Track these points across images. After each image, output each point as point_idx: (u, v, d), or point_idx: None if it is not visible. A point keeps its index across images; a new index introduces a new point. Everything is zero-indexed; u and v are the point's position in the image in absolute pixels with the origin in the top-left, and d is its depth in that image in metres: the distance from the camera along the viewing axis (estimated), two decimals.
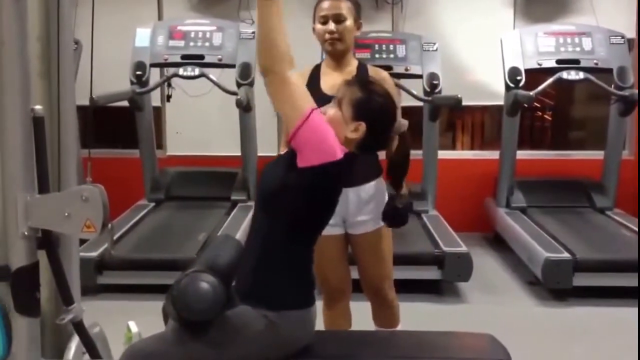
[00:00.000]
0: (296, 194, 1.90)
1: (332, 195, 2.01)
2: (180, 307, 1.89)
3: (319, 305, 2.75)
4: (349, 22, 2.63)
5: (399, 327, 2.87)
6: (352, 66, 2.71)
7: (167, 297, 1.99)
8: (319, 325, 2.70)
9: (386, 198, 2.64)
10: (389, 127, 2.03)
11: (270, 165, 2.03)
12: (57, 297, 1.81)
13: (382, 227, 2.66)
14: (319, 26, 2.66)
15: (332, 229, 2.61)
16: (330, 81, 2.62)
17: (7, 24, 1.59)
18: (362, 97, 1.98)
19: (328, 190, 1.98)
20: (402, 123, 2.09)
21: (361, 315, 2.91)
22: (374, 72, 2.71)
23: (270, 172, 1.99)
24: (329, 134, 1.89)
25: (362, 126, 1.94)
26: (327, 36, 2.63)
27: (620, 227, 4.79)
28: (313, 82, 2.68)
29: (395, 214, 2.55)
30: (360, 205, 2.65)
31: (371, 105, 1.98)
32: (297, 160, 1.87)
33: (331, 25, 2.61)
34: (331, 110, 1.98)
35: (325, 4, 2.64)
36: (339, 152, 1.88)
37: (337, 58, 2.69)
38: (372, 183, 2.64)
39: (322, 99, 2.53)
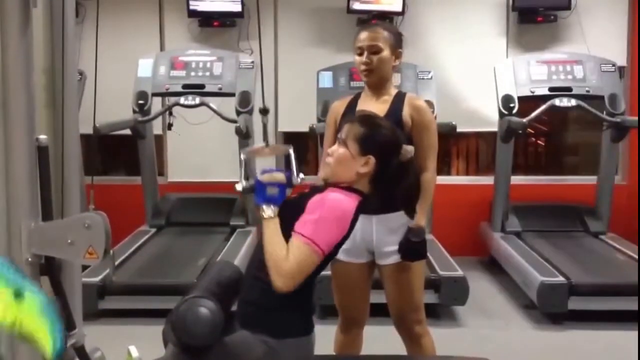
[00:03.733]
0: None
1: (342, 241, 2.03)
2: (180, 332, 1.91)
3: (333, 329, 2.79)
4: (385, 53, 2.61)
5: None
6: (390, 95, 2.68)
7: (167, 322, 2.01)
8: (330, 344, 2.73)
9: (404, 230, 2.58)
10: (396, 156, 2.07)
11: (288, 208, 2.01)
12: None
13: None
14: (356, 57, 2.67)
15: (355, 258, 2.62)
16: (366, 108, 2.57)
17: (14, 57, 1.63)
18: (365, 131, 2.03)
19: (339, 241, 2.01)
20: (408, 150, 2.12)
21: (374, 340, 2.93)
22: (410, 100, 2.67)
23: (286, 213, 1.99)
24: (334, 220, 1.92)
25: (371, 160, 2.00)
26: (362, 67, 2.63)
27: (614, 251, 4.83)
28: (351, 109, 2.68)
29: (410, 248, 2.52)
30: (388, 235, 2.57)
31: (375, 138, 2.03)
32: None
33: (366, 57, 2.62)
34: (338, 150, 2.03)
35: (362, 35, 2.65)
36: (350, 213, 1.95)
37: (374, 87, 2.68)
38: (401, 212, 2.46)
39: None
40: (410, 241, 2.51)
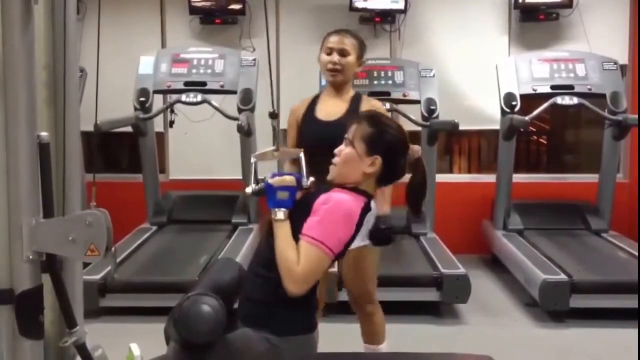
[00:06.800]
0: None
1: (350, 244, 2.04)
2: (182, 329, 1.92)
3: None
4: (352, 58, 2.83)
5: (384, 344, 2.96)
6: (349, 96, 2.88)
7: (169, 319, 2.02)
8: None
9: (372, 219, 2.69)
10: (403, 156, 2.06)
11: (295, 208, 2.02)
12: (60, 320, 1.81)
13: (366, 245, 2.76)
14: (324, 56, 2.85)
15: None
16: (326, 108, 2.83)
17: (15, 54, 1.61)
18: (373, 131, 2.02)
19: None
20: (415, 149, 2.13)
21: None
22: (367, 101, 2.90)
23: (294, 214, 1.99)
24: (341, 218, 1.93)
25: (378, 160, 1.99)
26: (330, 66, 2.82)
27: (615, 248, 4.84)
28: (310, 110, 2.89)
29: (379, 235, 2.69)
30: None
31: (383, 138, 2.02)
32: None
33: (335, 57, 2.81)
34: (345, 149, 2.03)
35: (333, 38, 2.85)
36: (355, 217, 1.95)
37: (336, 87, 2.87)
38: None
39: (315, 125, 2.78)
40: (380, 228, 2.68)
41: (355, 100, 2.87)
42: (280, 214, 1.96)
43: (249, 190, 2.11)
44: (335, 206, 1.94)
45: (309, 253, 1.89)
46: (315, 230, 1.91)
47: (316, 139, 2.65)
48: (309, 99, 2.95)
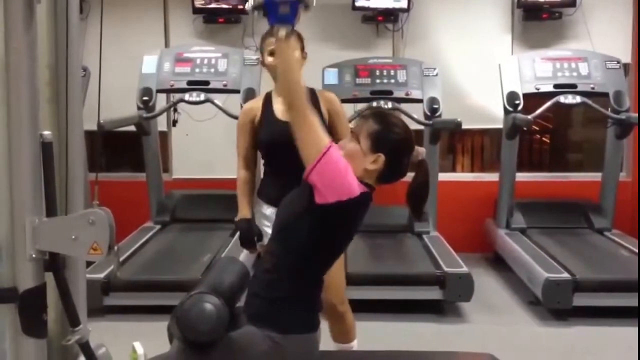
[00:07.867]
0: (311, 230, 1.92)
1: (348, 230, 2.03)
2: (185, 328, 1.93)
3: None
4: (297, 54, 2.75)
5: (355, 341, 2.94)
6: None
7: (172, 318, 2.03)
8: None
9: None
10: (407, 156, 2.05)
11: (289, 196, 2.05)
12: (63, 319, 1.83)
13: None
14: (269, 58, 2.77)
15: None
16: (283, 107, 2.69)
17: (18, 53, 1.63)
18: (379, 129, 2.01)
19: (344, 226, 1.99)
20: (420, 151, 2.12)
21: (371, 335, 3.02)
22: (322, 94, 2.89)
23: (289, 204, 2.01)
24: (347, 171, 1.91)
25: (381, 157, 1.98)
26: None
27: (618, 247, 4.83)
28: (267, 109, 2.79)
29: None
30: None
31: (388, 137, 2.01)
32: (314, 196, 1.89)
33: None
34: (349, 144, 2.02)
35: (273, 39, 2.71)
36: (355, 189, 1.91)
37: None
38: None
39: (276, 125, 2.69)
40: None
41: (312, 95, 2.80)
42: (283, 31, 1.90)
43: (248, 5, 1.99)
44: (343, 169, 1.93)
45: (316, 135, 1.91)
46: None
47: (278, 140, 2.54)
48: (262, 99, 2.86)
